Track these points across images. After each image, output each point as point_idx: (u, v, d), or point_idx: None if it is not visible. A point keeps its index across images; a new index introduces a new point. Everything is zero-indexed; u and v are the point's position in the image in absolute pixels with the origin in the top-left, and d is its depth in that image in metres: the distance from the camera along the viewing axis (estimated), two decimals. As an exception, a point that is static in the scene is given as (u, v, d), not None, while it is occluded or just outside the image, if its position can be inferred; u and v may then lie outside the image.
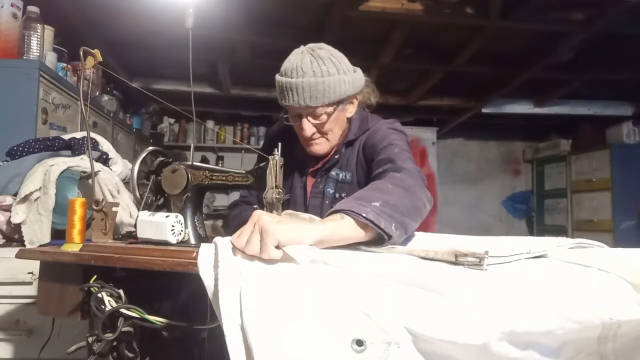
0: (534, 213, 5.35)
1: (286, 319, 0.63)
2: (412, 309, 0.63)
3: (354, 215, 0.79)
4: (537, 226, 5.28)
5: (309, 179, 1.34)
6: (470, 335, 0.59)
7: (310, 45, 1.17)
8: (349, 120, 1.30)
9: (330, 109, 1.16)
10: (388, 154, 1.13)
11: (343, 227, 0.79)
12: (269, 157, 0.96)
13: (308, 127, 1.18)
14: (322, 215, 0.99)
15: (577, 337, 0.60)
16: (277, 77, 1.17)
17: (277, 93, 1.18)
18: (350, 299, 0.65)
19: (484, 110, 4.39)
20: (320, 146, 1.25)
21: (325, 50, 1.16)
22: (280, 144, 0.98)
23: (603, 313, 0.59)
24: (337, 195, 1.29)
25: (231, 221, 1.38)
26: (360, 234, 0.80)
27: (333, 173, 1.30)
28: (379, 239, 0.81)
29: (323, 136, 1.23)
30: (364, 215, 0.78)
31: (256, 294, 0.65)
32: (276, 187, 0.95)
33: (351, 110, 1.26)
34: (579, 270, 0.70)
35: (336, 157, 1.30)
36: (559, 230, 4.81)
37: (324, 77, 1.11)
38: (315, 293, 0.66)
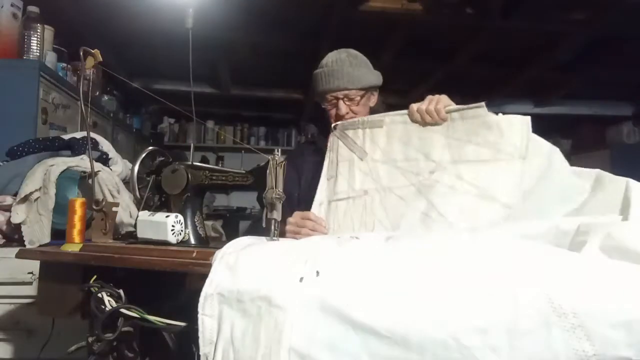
0: (534, 213, 5.33)
1: None
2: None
3: None
4: (537, 226, 5.25)
5: None
6: None
7: (343, 49, 1.49)
8: (372, 112, 1.51)
9: (361, 93, 1.42)
10: None
11: None
12: (269, 157, 0.96)
13: (344, 107, 1.42)
14: None
15: None
16: (317, 71, 1.43)
17: (315, 85, 1.43)
18: None
19: (484, 111, 4.38)
20: None
21: (354, 51, 1.48)
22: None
23: None
24: None
25: None
26: None
27: None
28: None
29: (354, 117, 1.44)
30: None
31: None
32: (276, 187, 0.95)
33: (373, 101, 1.49)
34: None
35: None
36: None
37: (358, 67, 1.41)
38: None
